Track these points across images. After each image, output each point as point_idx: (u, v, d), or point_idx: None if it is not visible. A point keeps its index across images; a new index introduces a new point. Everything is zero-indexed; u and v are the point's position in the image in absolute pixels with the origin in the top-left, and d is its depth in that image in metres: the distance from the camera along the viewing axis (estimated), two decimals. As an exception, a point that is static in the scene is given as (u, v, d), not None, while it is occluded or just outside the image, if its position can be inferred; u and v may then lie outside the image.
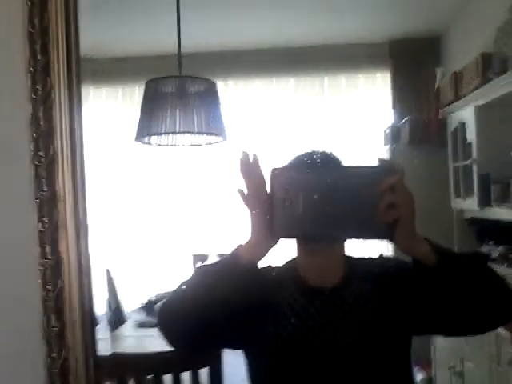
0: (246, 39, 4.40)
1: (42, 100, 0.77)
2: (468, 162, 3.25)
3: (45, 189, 0.78)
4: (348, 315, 1.26)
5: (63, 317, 0.79)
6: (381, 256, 1.42)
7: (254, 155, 1.09)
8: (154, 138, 3.02)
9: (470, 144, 3.26)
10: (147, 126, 2.85)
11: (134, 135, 2.93)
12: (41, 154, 0.77)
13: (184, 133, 2.92)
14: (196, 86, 2.95)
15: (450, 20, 4.11)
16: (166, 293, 3.38)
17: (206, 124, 2.87)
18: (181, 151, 3.67)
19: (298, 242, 1.32)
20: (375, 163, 1.03)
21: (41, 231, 0.78)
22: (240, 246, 1.12)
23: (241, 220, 1.24)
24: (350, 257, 1.37)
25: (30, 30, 0.75)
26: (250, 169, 1.08)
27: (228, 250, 1.14)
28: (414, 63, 4.44)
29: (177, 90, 2.89)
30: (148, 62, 4.45)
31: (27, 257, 0.80)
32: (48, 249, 0.79)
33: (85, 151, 0.82)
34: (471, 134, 3.22)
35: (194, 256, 4.11)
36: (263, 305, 1.25)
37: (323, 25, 4.11)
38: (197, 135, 3.04)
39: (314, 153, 1.32)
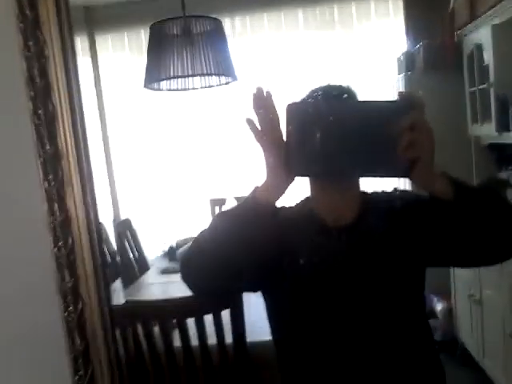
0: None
1: (35, 56, 0.75)
2: (485, 86, 3.16)
3: (47, 147, 0.77)
4: (365, 250, 1.26)
5: (76, 271, 0.80)
6: (395, 190, 1.41)
7: (268, 90, 1.06)
8: (163, 83, 2.99)
9: (486, 66, 3.16)
10: (156, 71, 2.81)
11: (144, 82, 2.90)
12: (40, 112, 0.76)
13: (193, 75, 2.87)
14: (201, 25, 2.88)
15: None
16: (186, 239, 3.44)
17: (215, 64, 2.82)
18: (192, 95, 3.63)
19: (312, 180, 1.31)
20: (395, 97, 1.00)
21: (46, 189, 0.78)
22: (256, 187, 1.11)
23: (256, 161, 1.22)
24: (365, 192, 1.36)
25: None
26: (264, 104, 1.05)
27: (245, 192, 1.14)
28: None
29: (182, 31, 2.83)
30: (151, 4, 4.34)
31: (35, 215, 0.81)
32: (55, 206, 0.79)
33: (84, 105, 0.81)
34: (488, 56, 3.12)
35: (212, 200, 4.14)
36: (281, 245, 1.25)
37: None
38: (206, 77, 2.99)
39: (329, 87, 1.29)
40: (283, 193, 1.09)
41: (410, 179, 1.02)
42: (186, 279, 1.20)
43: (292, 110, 0.99)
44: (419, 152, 0.98)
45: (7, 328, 0.84)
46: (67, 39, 0.77)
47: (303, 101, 1.26)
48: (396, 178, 1.21)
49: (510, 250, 1.21)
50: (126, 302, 1.76)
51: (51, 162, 0.77)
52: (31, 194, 0.79)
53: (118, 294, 2.41)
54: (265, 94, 1.06)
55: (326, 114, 0.96)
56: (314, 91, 1.29)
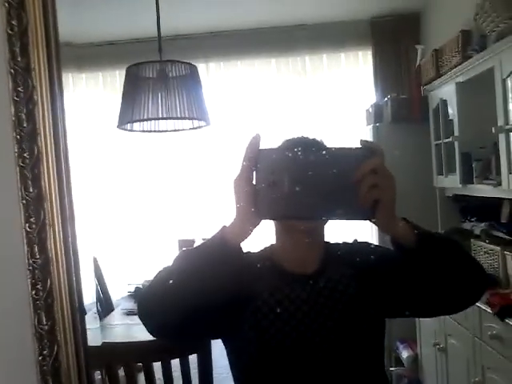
0: (226, 21, 4.37)
1: (24, 101, 0.76)
2: (450, 139, 3.28)
3: (30, 189, 0.78)
4: (329, 300, 1.28)
5: (53, 314, 0.79)
6: (355, 241, 1.44)
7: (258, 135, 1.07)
8: (136, 125, 3.01)
9: (451, 121, 3.29)
10: (129, 113, 2.83)
11: (117, 122, 2.91)
12: (25, 155, 0.77)
13: (166, 118, 2.91)
14: (177, 70, 2.94)
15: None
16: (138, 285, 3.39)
17: (189, 108, 2.86)
18: (164, 137, 3.66)
19: (278, 226, 1.33)
20: (357, 145, 1.04)
21: (28, 231, 0.78)
22: (224, 227, 1.11)
23: (226, 204, 1.23)
24: (328, 242, 1.39)
25: (9, 31, 0.74)
26: (256, 150, 1.07)
27: (214, 232, 1.14)
28: (394, 41, 4.45)
29: (158, 74, 2.88)
30: (127, 46, 4.41)
31: (16, 257, 0.80)
32: (36, 248, 0.79)
33: (69, 147, 0.82)
34: (453, 111, 3.25)
35: (180, 241, 4.13)
36: (244, 290, 1.24)
37: (302, 3, 4.08)
38: (179, 120, 3.03)
39: (300, 139, 1.33)
40: (249, 234, 1.09)
41: (373, 222, 1.05)
42: (143, 318, 1.16)
43: (262, 155, 1.02)
44: (380, 195, 1.01)
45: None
46: (56, 85, 0.78)
47: (273, 148, 1.29)
48: (365, 228, 1.24)
49: (468, 299, 1.25)
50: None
51: (34, 204, 0.78)
52: (12, 236, 0.79)
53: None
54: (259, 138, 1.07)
55: (294, 161, 1.00)
56: (288, 141, 1.33)
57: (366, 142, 1.04)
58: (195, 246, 1.32)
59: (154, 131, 3.08)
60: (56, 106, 0.78)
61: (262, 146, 1.04)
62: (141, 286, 3.45)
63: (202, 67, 4.40)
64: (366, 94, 4.50)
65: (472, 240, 2.98)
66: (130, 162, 4.65)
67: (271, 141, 1.32)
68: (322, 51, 4.58)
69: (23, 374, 0.82)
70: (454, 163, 3.24)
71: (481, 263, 1.24)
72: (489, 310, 2.40)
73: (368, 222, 1.05)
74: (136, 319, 2.94)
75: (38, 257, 0.78)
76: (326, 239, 1.38)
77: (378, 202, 1.01)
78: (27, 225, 0.78)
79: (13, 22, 0.73)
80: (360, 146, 1.04)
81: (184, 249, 1.26)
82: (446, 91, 3.35)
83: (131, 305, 3.35)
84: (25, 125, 0.76)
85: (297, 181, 0.99)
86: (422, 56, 3.93)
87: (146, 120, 2.90)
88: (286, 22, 4.44)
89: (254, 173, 1.03)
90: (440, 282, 1.15)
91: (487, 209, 3.07)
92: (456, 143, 3.19)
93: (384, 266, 1.26)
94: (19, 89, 0.75)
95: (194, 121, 3.04)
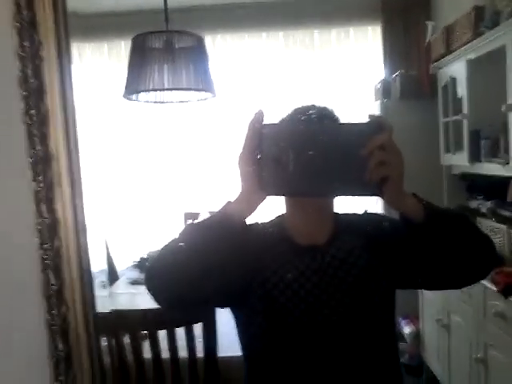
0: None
1: (30, 57, 0.74)
2: (458, 117, 3.24)
3: (38, 147, 0.76)
4: (339, 271, 1.27)
5: (62, 275, 0.79)
6: (365, 212, 1.43)
7: (262, 111, 1.06)
8: (141, 95, 2.98)
9: (460, 99, 3.24)
10: (135, 83, 2.80)
11: (123, 92, 2.88)
12: (32, 112, 0.75)
13: (172, 89, 2.88)
14: (184, 41, 2.89)
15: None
16: (157, 251, 3.40)
17: (195, 80, 2.83)
18: (170, 108, 3.63)
19: (287, 198, 1.32)
20: (365, 119, 1.02)
21: (36, 190, 0.77)
22: (229, 202, 1.11)
23: (232, 177, 1.22)
24: (337, 213, 1.37)
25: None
26: (259, 126, 1.05)
27: (219, 207, 1.14)
28: (404, 17, 4.37)
29: (164, 45, 2.83)
30: (133, 17, 4.35)
31: (24, 216, 0.79)
32: (44, 208, 0.77)
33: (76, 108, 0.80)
34: (462, 89, 3.20)
35: (186, 214, 4.13)
36: (252, 262, 1.25)
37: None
38: (185, 91, 3.00)
39: (309, 107, 1.31)
40: (254, 209, 1.09)
41: (381, 197, 1.04)
42: (151, 289, 1.15)
43: (267, 129, 1.00)
44: (388, 171, 1.00)
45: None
46: (63, 41, 0.76)
47: (278, 122, 1.27)
48: (373, 201, 1.23)
49: (477, 273, 1.24)
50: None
51: (41, 163, 0.76)
52: (20, 195, 0.78)
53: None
54: (262, 114, 1.06)
55: (300, 135, 0.99)
56: (297, 110, 1.31)
57: (375, 116, 1.03)
58: (200, 219, 1.31)
59: (160, 102, 3.05)
60: (63, 63, 0.76)
61: (268, 121, 1.02)
62: (145, 257, 3.46)
63: (208, 39, 4.36)
64: (375, 70, 4.44)
65: (478, 218, 2.97)
66: (135, 133, 4.62)
67: (277, 114, 1.30)
68: (331, 25, 4.51)
69: (33, 333, 0.82)
70: (462, 141, 3.20)
71: (491, 239, 1.22)
72: (493, 287, 2.39)
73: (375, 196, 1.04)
74: (140, 289, 2.97)
75: (45, 216, 0.76)
76: (336, 210, 1.37)
77: (386, 178, 1.00)
78: (35, 183, 0.76)
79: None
80: (368, 121, 1.02)
81: (190, 222, 1.25)
82: (455, 68, 3.30)
83: (136, 274, 3.37)
84: (31, 81, 0.74)
85: (302, 157, 0.97)
86: (433, 32, 3.87)
87: (152, 90, 2.86)
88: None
89: (259, 149, 1.01)
90: (449, 255, 1.14)
91: (494, 187, 3.04)
92: (465, 121, 3.16)
93: (394, 237, 1.25)
94: (25, 43, 0.73)
95: (200, 92, 3.00)
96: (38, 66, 0.74)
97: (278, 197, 1.18)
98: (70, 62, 0.78)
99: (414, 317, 3.68)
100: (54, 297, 0.77)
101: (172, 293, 1.14)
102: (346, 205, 1.40)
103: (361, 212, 1.43)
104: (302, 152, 0.97)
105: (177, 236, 1.16)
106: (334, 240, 1.31)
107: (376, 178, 0.99)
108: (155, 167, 4.64)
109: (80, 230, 0.81)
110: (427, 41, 3.91)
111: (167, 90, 2.87)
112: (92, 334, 0.80)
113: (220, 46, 4.60)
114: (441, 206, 1.18)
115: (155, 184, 4.64)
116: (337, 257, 1.28)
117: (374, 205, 3.00)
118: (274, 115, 1.25)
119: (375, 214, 1.45)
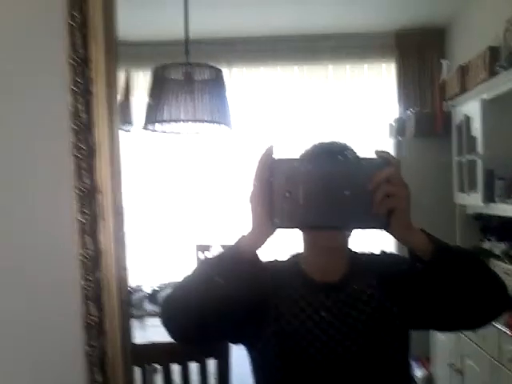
0: (251, 27, 4.38)
1: (82, 92, 0.76)
2: (472, 157, 3.25)
3: (85, 180, 0.77)
4: (353, 309, 1.27)
5: (102, 306, 0.79)
6: (382, 252, 1.44)
7: (272, 146, 1.08)
8: (158, 125, 3.01)
9: (474, 138, 3.26)
10: (154, 114, 2.84)
11: (143, 122, 2.92)
12: (81, 145, 0.76)
13: (190, 121, 2.91)
14: (203, 73, 2.94)
15: (455, 12, 4.11)
16: (169, 283, 3.39)
17: (212, 112, 2.86)
18: (185, 139, 3.65)
19: (303, 235, 1.32)
20: (373, 155, 1.04)
21: (81, 222, 0.78)
22: (242, 236, 1.12)
23: (244, 210, 1.23)
24: (354, 252, 1.38)
25: (71, 22, 0.73)
26: (269, 162, 1.06)
27: (231, 239, 1.15)
28: (419, 54, 4.44)
29: (184, 77, 2.88)
30: (152, 47, 4.42)
31: (68, 247, 0.80)
32: (88, 239, 0.78)
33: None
34: (476, 128, 3.22)
35: (198, 246, 4.12)
36: (266, 299, 1.25)
37: (328, 13, 4.09)
38: (202, 123, 3.03)
39: (329, 144, 1.32)
40: (264, 242, 1.09)
41: (389, 231, 1.05)
42: (166, 324, 1.16)
43: (278, 164, 1.02)
44: (395, 203, 1.01)
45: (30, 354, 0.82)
46: (112, 78, 0.78)
47: (289, 156, 1.28)
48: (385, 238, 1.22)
49: (488, 314, 1.22)
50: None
51: (88, 196, 0.77)
52: (65, 226, 0.79)
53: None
54: (272, 150, 1.07)
55: (310, 169, 1.01)
56: (317, 146, 1.32)
57: (381, 152, 1.04)
58: (213, 251, 1.32)
59: (177, 133, 3.08)
60: (112, 99, 0.78)
61: (280, 156, 1.04)
62: (157, 289, 3.44)
63: (224, 71, 4.41)
64: (389, 106, 4.49)
65: (491, 260, 2.95)
66: (148, 162, 4.64)
67: (291, 146, 1.32)
68: (346, 61, 4.58)
69: (72, 364, 0.81)
70: (476, 181, 3.20)
71: (503, 280, 1.20)
72: (508, 332, 2.36)
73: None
74: (153, 321, 2.92)
75: (89, 248, 0.77)
76: (354, 249, 1.37)
77: (392, 210, 1.01)
78: (80, 215, 0.77)
79: (74, 13, 0.73)
80: (375, 157, 1.03)
81: (205, 257, 1.27)
82: (470, 107, 3.33)
83: (147, 306, 3.34)
84: (82, 115, 0.76)
85: (311, 190, 0.99)
86: (447, 71, 3.91)
87: (170, 121, 2.90)
88: (310, 31, 4.45)
89: (269, 183, 1.03)
90: (459, 294, 1.12)
91: (508, 228, 3.03)
92: (479, 161, 3.16)
93: (408, 277, 1.24)
94: (78, 79, 0.75)
95: (216, 124, 3.03)
96: (88, 100, 0.76)
97: (289, 230, 1.20)
98: (116, 98, 0.80)
99: (425, 359, 3.61)
100: (94, 328, 0.77)
101: (186, 328, 1.15)
102: (364, 245, 1.40)
103: (377, 252, 1.43)
104: (311, 185, 0.99)
105: (191, 272, 1.17)
106: (348, 278, 1.31)
107: (383, 210, 1.00)
108: (168, 198, 4.65)
109: (121, 261, 0.81)
110: (442, 79, 3.95)
111: (185, 121, 2.91)
112: (129, 365, 0.80)
113: (236, 78, 4.66)
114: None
115: (168, 216, 4.64)
116: (351, 295, 1.28)
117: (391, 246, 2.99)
118: (288, 147, 1.27)
119: (391, 253, 1.45)
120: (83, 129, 0.77)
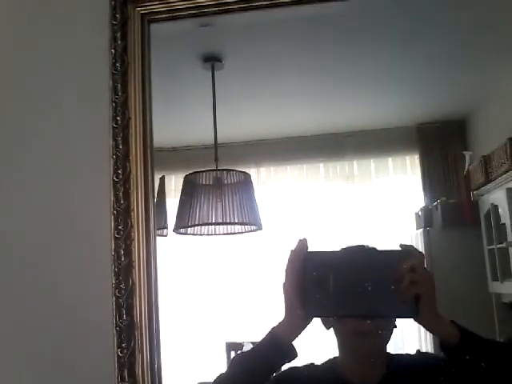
0: (276, 130, 4.55)
1: (123, 239, 0.84)
2: (503, 245, 3.23)
3: (124, 317, 0.83)
4: None
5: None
6: (418, 351, 1.44)
7: (306, 240, 1.13)
8: (190, 229, 3.11)
9: (503, 225, 3.25)
10: (185, 218, 2.94)
11: (173, 226, 3.02)
12: (122, 286, 0.84)
13: (221, 224, 3.01)
14: (231, 177, 3.07)
15: (475, 104, 4.21)
16: (200, 383, 3.34)
17: (242, 214, 2.96)
18: (215, 240, 3.73)
19: (339, 338, 1.34)
20: (398, 248, 1.10)
21: (119, 356, 0.83)
22: (273, 327, 1.14)
23: (275, 307, 1.27)
24: (390, 354, 1.38)
25: (115, 178, 0.83)
26: (303, 253, 1.12)
27: (261, 336, 1.16)
28: (441, 146, 4.52)
29: (214, 182, 3.01)
30: (180, 152, 4.63)
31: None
32: (125, 372, 0.83)
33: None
34: (505, 216, 3.23)
35: (228, 344, 4.07)
36: None
37: (349, 113, 4.24)
38: (232, 225, 3.12)
39: (359, 247, 1.38)
40: (299, 333, 1.11)
41: (416, 320, 1.08)
42: None
43: (309, 255, 1.08)
44: (420, 290, 1.05)
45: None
46: (150, 224, 0.87)
47: (318, 250, 1.34)
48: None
49: None
50: None
51: (125, 332, 0.83)
52: (103, 359, 0.83)
53: None
54: (306, 242, 1.13)
55: (340, 261, 1.08)
56: (345, 249, 1.37)
57: (405, 245, 1.10)
58: (244, 349, 1.34)
59: (208, 235, 3.17)
60: (150, 244, 0.86)
61: (310, 249, 1.10)
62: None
63: (252, 172, 4.57)
64: (415, 197, 4.52)
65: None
66: (178, 262, 4.71)
67: (319, 245, 1.37)
68: (370, 157, 4.69)
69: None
70: (509, 269, 3.17)
71: None
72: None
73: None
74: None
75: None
76: (389, 351, 1.38)
77: (418, 298, 1.05)
78: (119, 350, 0.83)
79: (118, 171, 0.83)
80: (399, 249, 1.10)
81: (238, 352, 1.28)
82: (496, 196, 3.36)
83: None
84: (123, 259, 0.84)
85: (341, 281, 1.06)
86: (471, 161, 3.97)
87: (201, 225, 3.00)
88: (334, 130, 4.59)
89: (302, 274, 1.08)
90: None
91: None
92: (510, 249, 3.14)
93: (445, 375, 1.24)
94: (120, 227, 0.84)
95: (246, 226, 3.12)
96: (128, 245, 0.84)
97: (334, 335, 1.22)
98: (155, 241, 0.88)
99: None
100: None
101: None
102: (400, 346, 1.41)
103: (413, 352, 1.43)
104: (341, 276, 1.06)
105: (226, 369, 1.17)
106: (386, 381, 1.30)
107: (408, 296, 1.05)
108: (197, 298, 4.67)
109: (154, 337, 0.84)
110: (466, 170, 4.00)
111: (215, 224, 3.00)
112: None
113: (264, 179, 4.81)
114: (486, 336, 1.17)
115: (196, 314, 4.64)
116: None
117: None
118: (317, 245, 1.32)
119: (427, 353, 1.46)
120: (123, 270, 0.84)
